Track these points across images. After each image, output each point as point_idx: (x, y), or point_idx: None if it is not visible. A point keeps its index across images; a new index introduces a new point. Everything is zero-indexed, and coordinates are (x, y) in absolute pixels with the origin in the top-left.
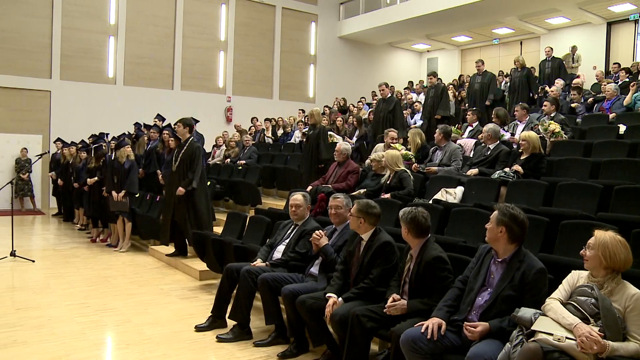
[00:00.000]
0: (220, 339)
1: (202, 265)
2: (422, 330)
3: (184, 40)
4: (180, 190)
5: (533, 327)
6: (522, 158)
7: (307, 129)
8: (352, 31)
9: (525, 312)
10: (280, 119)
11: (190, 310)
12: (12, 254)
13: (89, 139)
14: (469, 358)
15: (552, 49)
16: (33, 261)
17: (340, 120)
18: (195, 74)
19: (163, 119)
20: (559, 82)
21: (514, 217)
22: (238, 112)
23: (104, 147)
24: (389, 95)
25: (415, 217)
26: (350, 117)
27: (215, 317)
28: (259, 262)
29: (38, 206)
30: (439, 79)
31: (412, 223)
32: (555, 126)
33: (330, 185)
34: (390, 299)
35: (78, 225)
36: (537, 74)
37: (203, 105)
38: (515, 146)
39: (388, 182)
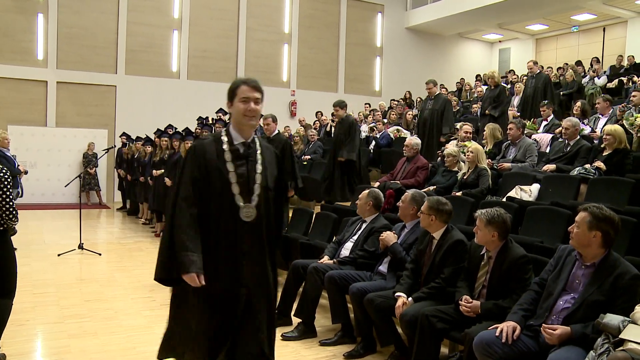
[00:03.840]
0: (285, 337)
1: None
2: (497, 334)
3: (248, 33)
4: None
5: (621, 336)
6: (604, 154)
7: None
8: (419, 22)
9: (612, 318)
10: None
11: None
12: (80, 246)
13: (154, 133)
14: None
15: (536, 63)
16: (100, 254)
17: (410, 115)
18: (260, 67)
19: (226, 113)
20: None
21: (610, 220)
22: (302, 106)
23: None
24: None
25: (505, 220)
26: (417, 110)
27: (280, 315)
28: (326, 260)
29: (104, 200)
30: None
31: (503, 226)
32: None
33: (398, 182)
34: (464, 300)
35: (142, 220)
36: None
37: (267, 99)
38: (596, 141)
39: (465, 178)
